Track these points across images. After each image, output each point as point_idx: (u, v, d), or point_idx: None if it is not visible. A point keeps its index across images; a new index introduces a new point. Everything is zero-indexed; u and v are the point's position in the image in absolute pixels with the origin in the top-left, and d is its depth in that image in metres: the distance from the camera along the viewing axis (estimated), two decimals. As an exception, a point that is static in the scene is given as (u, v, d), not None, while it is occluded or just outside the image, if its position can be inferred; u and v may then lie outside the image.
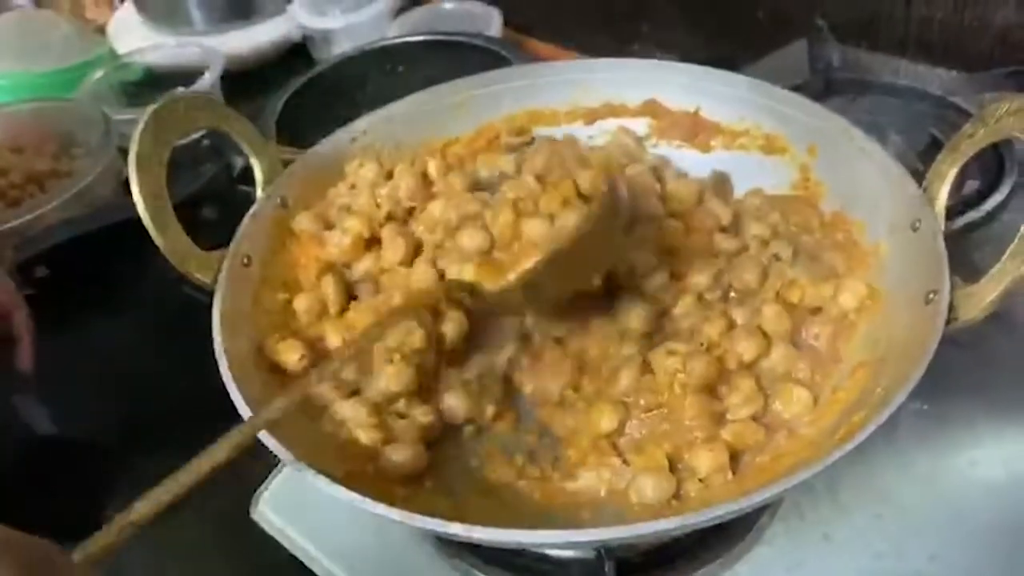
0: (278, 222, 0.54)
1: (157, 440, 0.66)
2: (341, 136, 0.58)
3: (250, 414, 0.41)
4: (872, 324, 0.47)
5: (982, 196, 0.70)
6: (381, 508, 0.37)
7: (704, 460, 0.44)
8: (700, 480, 0.44)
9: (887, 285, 0.48)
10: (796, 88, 0.80)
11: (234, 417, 0.50)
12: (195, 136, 0.86)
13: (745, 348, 0.48)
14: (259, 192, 0.54)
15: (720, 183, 0.58)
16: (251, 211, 0.52)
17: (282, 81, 0.95)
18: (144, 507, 0.35)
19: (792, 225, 0.53)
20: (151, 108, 0.48)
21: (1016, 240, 0.40)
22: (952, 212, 0.68)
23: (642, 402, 0.48)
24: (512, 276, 0.46)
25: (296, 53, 1.12)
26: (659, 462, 0.45)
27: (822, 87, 0.82)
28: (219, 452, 0.36)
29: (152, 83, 1.06)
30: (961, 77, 0.80)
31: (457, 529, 0.36)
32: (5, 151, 0.93)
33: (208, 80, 0.97)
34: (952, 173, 0.46)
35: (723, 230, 0.55)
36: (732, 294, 0.52)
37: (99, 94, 1.01)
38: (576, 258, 0.45)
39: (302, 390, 0.41)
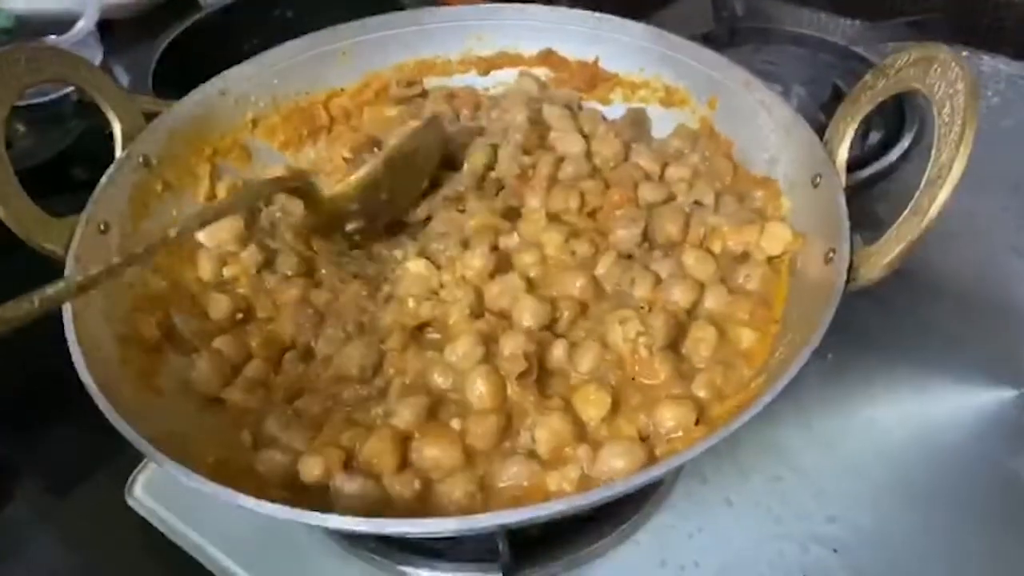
0: (141, 184, 0.49)
1: (53, 441, 0.62)
2: (211, 88, 0.53)
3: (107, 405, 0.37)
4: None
5: (885, 147, 0.69)
6: (251, 502, 0.34)
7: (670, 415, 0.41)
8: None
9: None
10: (700, 37, 0.79)
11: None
12: (64, 91, 0.80)
13: (680, 295, 0.46)
14: (118, 151, 0.49)
15: (638, 123, 0.55)
16: (108, 172, 0.47)
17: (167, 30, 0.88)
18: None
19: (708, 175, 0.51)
20: (-16, 56, 0.42)
21: (913, 200, 0.38)
22: (856, 164, 0.68)
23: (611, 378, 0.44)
24: (352, 179, 0.48)
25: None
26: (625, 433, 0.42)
27: (726, 36, 0.80)
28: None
29: (23, 32, 0.98)
30: (864, 26, 0.79)
31: (337, 523, 0.33)
32: None
33: (82, 28, 0.90)
34: (853, 127, 0.45)
35: (647, 178, 0.52)
36: (655, 250, 0.50)
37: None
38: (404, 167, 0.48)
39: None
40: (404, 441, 0.39)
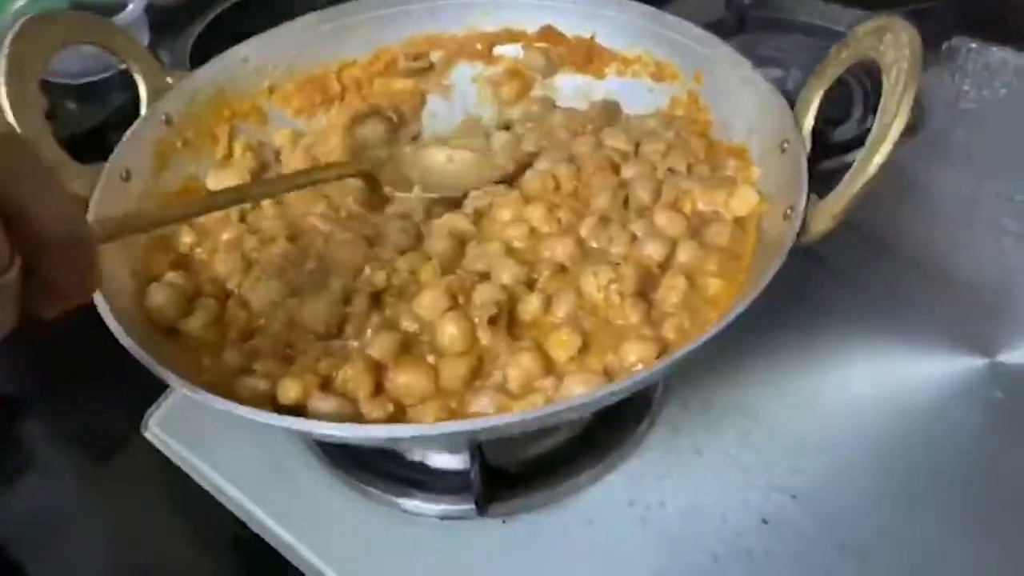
0: (161, 139, 0.54)
1: (72, 382, 0.67)
2: (232, 56, 0.58)
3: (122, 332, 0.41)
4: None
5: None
6: (254, 414, 0.38)
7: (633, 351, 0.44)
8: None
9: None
10: (711, 24, 0.82)
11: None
12: (108, 73, 0.86)
13: (653, 249, 0.48)
14: (143, 110, 0.53)
15: (611, 114, 0.59)
16: (133, 126, 0.52)
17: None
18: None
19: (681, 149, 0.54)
20: (25, 17, 0.47)
21: (859, 158, 0.41)
22: (853, 145, 0.70)
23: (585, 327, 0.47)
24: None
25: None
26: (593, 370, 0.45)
27: (735, 24, 0.83)
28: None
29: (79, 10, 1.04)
30: (866, 16, 0.81)
31: (310, 427, 0.36)
32: None
33: (131, 11, 0.95)
34: (819, 96, 0.47)
35: (624, 158, 0.55)
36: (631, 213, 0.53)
37: (22, 23, 0.99)
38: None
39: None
40: (378, 369, 0.43)
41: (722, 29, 0.81)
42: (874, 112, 0.72)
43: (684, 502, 0.49)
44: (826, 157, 0.69)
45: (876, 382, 0.54)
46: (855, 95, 0.75)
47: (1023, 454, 0.50)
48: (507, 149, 0.56)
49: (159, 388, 0.57)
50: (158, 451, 0.56)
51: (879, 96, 0.70)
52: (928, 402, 0.53)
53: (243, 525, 0.51)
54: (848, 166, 0.68)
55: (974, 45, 0.81)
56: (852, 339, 0.57)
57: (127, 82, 0.57)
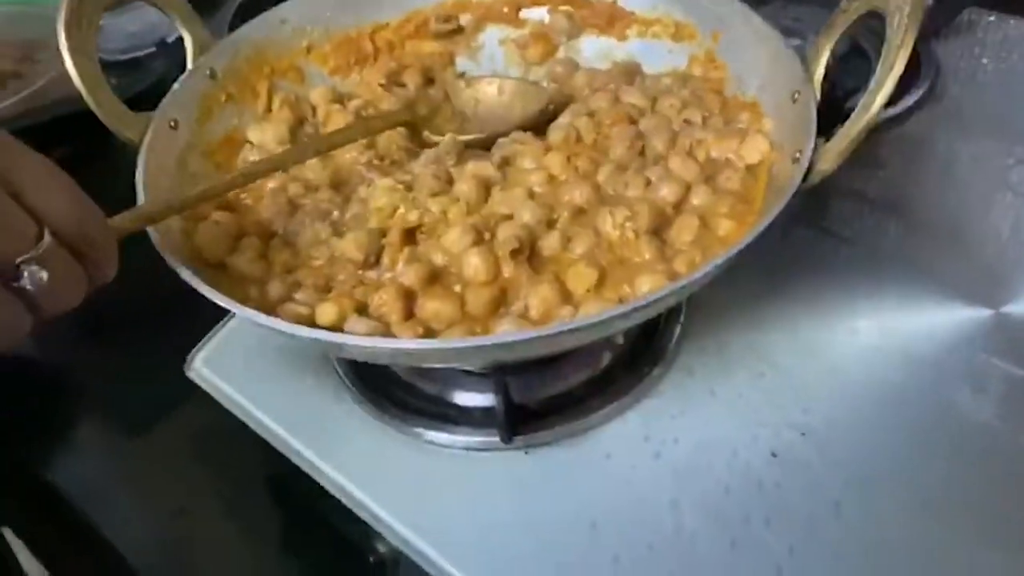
0: (206, 93, 0.57)
1: (113, 340, 0.71)
2: (272, 16, 0.61)
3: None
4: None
5: (896, 97, 0.73)
6: (299, 329, 0.41)
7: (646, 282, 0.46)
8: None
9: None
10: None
11: (185, 311, 0.54)
12: (148, 50, 0.90)
13: (667, 192, 0.51)
14: (190, 64, 0.57)
15: (631, 74, 0.61)
16: (180, 79, 0.55)
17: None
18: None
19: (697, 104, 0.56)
20: (79, -25, 0.50)
21: (863, 99, 0.43)
22: (865, 110, 0.72)
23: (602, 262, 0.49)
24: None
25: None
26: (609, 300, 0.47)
27: (759, -7, 0.85)
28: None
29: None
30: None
31: (338, 339, 0.39)
32: (-31, 52, 0.95)
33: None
34: (828, 48, 0.49)
35: (641, 113, 0.58)
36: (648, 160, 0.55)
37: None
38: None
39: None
40: (409, 296, 0.46)
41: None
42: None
43: (697, 438, 0.52)
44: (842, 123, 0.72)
45: (883, 331, 0.56)
46: (873, 64, 0.77)
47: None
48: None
49: (198, 333, 0.60)
50: (200, 390, 0.59)
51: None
52: (934, 350, 0.55)
53: (281, 461, 0.54)
54: (872, 130, 0.71)
55: (992, 17, 0.83)
56: (862, 291, 0.59)
57: (165, 57, 0.60)
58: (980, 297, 0.57)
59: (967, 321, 0.56)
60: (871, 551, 0.46)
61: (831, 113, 0.49)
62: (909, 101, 0.73)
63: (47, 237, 0.35)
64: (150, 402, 0.64)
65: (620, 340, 0.56)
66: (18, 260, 0.35)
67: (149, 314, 0.70)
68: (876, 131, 0.71)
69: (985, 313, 0.57)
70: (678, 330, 0.56)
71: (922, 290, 0.59)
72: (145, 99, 0.55)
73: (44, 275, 0.35)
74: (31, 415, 0.66)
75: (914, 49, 0.76)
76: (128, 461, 0.63)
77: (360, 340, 0.40)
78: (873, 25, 0.79)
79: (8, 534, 0.76)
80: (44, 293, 0.36)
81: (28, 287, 0.35)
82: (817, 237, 0.64)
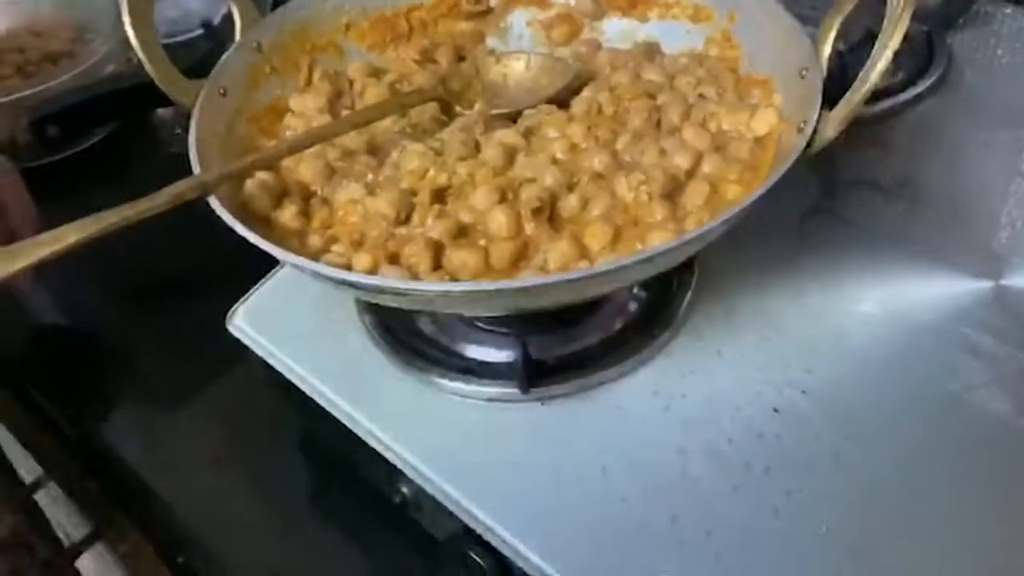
0: (253, 64, 0.61)
1: (158, 299, 0.76)
2: (312, -5, 0.65)
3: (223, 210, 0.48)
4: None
5: (912, 82, 0.76)
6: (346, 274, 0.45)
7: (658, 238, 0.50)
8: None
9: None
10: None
11: (231, 288, 0.57)
12: (191, 34, 0.95)
13: (680, 159, 0.54)
14: (238, 36, 0.61)
15: (651, 53, 0.65)
16: (229, 50, 0.60)
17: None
18: (74, 234, 0.43)
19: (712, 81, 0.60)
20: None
21: (861, 72, 0.46)
22: (882, 95, 0.75)
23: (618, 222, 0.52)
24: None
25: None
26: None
27: (778, -15, 0.87)
28: (158, 199, 0.45)
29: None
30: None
31: (355, 277, 0.43)
32: (26, 33, 1.01)
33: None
34: (836, 27, 0.52)
35: (659, 89, 0.61)
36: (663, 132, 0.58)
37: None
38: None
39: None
40: (438, 248, 0.49)
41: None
42: (904, 65, 0.78)
43: (703, 394, 0.55)
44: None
45: (886, 300, 0.59)
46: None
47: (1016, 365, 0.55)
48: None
49: (237, 294, 0.64)
50: (238, 348, 0.63)
51: (911, 48, 0.75)
52: (934, 318, 0.58)
53: (312, 412, 0.58)
54: (877, 114, 0.74)
55: (1009, 9, 0.85)
56: (867, 264, 0.62)
57: (207, 41, 0.64)
58: (982, 271, 0.60)
59: (968, 292, 0.59)
60: (866, 497, 0.50)
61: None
62: (921, 87, 0.76)
63: None
64: (191, 359, 0.69)
65: (633, 307, 0.60)
66: None
67: (192, 277, 0.75)
68: (889, 116, 0.75)
69: (986, 285, 0.59)
70: (688, 296, 0.59)
71: (925, 264, 0.62)
72: (191, 75, 0.59)
73: None
74: (78, 368, 0.71)
75: (928, 37, 0.80)
76: (167, 414, 0.68)
77: (396, 282, 0.44)
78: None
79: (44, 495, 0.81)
80: None
81: None
82: (826, 215, 0.67)
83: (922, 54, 0.78)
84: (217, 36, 0.91)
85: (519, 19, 0.70)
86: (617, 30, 0.67)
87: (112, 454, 0.65)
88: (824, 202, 0.70)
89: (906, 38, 0.73)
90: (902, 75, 0.78)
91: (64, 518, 0.80)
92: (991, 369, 0.55)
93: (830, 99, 0.50)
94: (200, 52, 0.94)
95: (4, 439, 0.76)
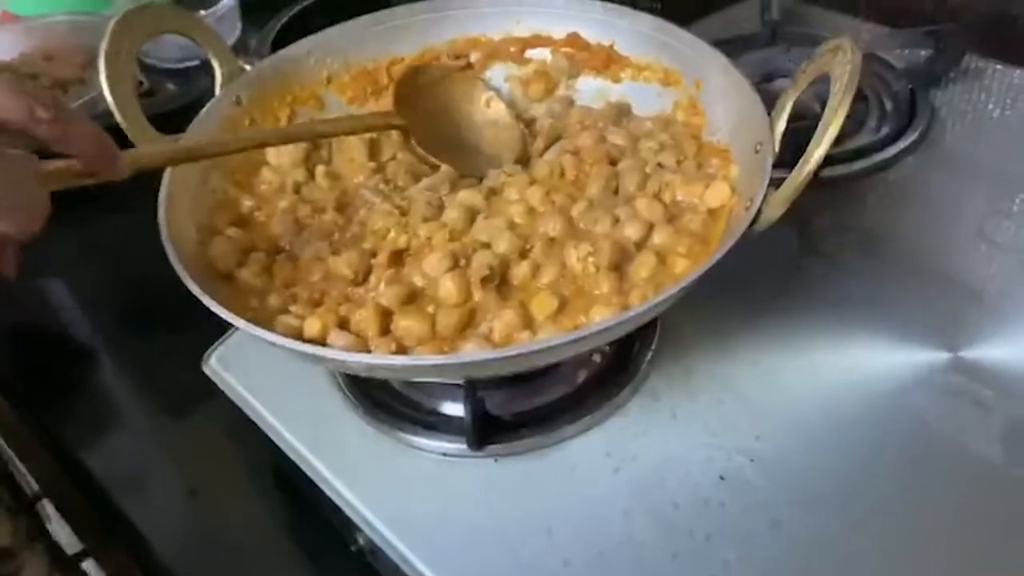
0: (231, 118, 0.63)
1: (154, 325, 0.78)
2: (297, 49, 0.67)
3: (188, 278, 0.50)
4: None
5: (893, 139, 0.77)
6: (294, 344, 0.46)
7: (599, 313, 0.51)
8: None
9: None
10: (745, 37, 0.88)
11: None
12: (200, 60, 0.97)
13: (632, 230, 0.56)
14: (218, 91, 0.63)
15: (621, 114, 0.66)
16: (208, 105, 0.62)
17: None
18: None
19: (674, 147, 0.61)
20: (123, 11, 0.57)
21: (804, 153, 0.47)
22: (861, 153, 0.76)
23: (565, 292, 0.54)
24: None
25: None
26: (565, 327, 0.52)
27: (768, 37, 0.89)
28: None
29: (179, 3, 1.16)
30: (887, 33, 0.86)
31: (298, 347, 0.45)
32: (38, 58, 1.04)
33: (226, 4, 1.08)
34: (789, 104, 0.53)
35: (622, 153, 0.63)
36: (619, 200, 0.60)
37: (128, 12, 1.11)
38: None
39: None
40: (386, 315, 0.51)
41: (754, 42, 0.88)
42: (887, 122, 0.79)
43: (654, 457, 0.56)
44: (841, 162, 0.75)
45: (843, 368, 0.60)
46: (871, 107, 0.81)
47: (972, 437, 0.55)
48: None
49: (217, 332, 0.66)
50: (214, 385, 0.65)
51: (895, 105, 0.76)
52: (891, 389, 0.58)
53: (282, 452, 0.60)
54: (859, 172, 0.74)
55: (999, 66, 0.85)
56: (829, 328, 0.62)
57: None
58: (939, 340, 0.60)
59: (924, 363, 0.60)
60: (805, 567, 0.50)
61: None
62: (900, 146, 0.76)
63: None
64: (179, 389, 0.71)
65: (597, 359, 0.61)
66: None
67: (181, 306, 0.76)
68: (870, 173, 0.75)
69: (943, 356, 0.60)
70: (649, 356, 0.60)
71: (884, 329, 0.62)
72: (196, 109, 0.62)
73: None
74: (67, 391, 0.74)
75: (911, 94, 0.80)
76: (150, 443, 0.70)
77: (334, 354, 0.46)
78: (875, 69, 0.83)
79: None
80: None
81: None
82: (791, 274, 0.68)
83: (906, 112, 0.79)
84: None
85: (497, 74, 0.71)
86: (591, 89, 0.69)
87: (94, 480, 0.67)
88: (796, 260, 0.70)
89: (892, 95, 0.75)
90: (886, 132, 0.78)
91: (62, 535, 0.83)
92: (941, 442, 0.55)
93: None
94: (206, 84, 0.98)
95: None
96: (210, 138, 0.59)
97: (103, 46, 0.56)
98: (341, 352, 0.46)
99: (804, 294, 0.66)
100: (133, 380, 0.75)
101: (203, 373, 0.65)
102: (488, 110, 0.67)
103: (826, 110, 0.47)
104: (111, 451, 0.70)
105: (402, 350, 0.50)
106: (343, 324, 0.51)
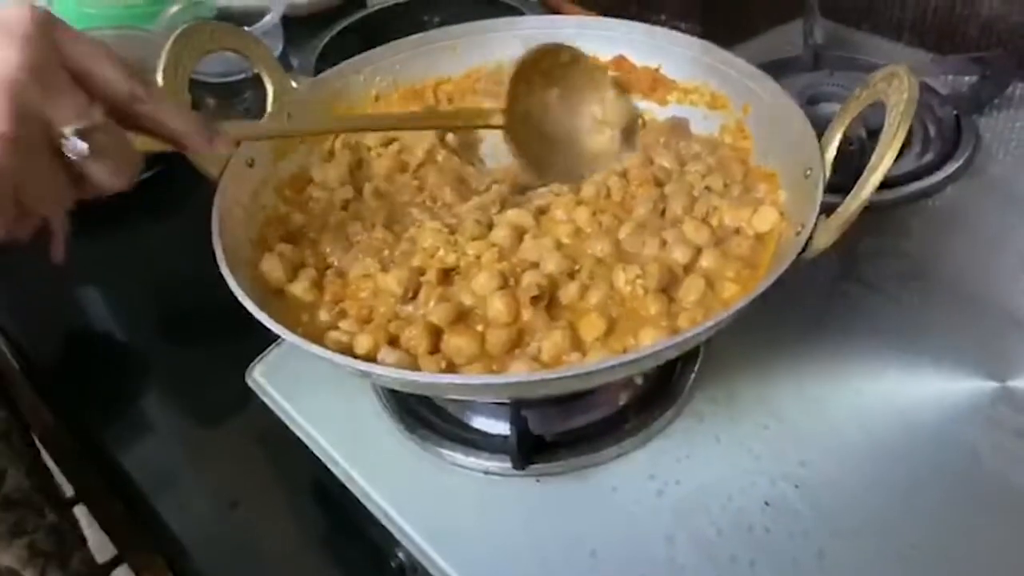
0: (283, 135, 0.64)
1: (194, 335, 0.78)
2: (346, 68, 0.68)
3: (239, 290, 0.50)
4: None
5: (939, 166, 0.77)
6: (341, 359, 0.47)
7: (649, 336, 0.51)
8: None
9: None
10: (789, 61, 0.88)
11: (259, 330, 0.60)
12: (242, 75, 0.99)
13: (680, 254, 0.56)
14: (270, 107, 0.64)
15: (679, 128, 0.66)
16: (260, 121, 0.62)
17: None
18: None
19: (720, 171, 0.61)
20: (182, 27, 0.58)
21: (858, 182, 0.47)
22: (905, 179, 0.75)
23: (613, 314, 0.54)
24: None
25: (353, 2, 1.23)
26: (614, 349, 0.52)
27: (811, 61, 0.88)
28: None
29: (223, 20, 1.17)
30: (931, 59, 0.86)
31: (366, 367, 0.45)
32: (83, 71, 1.05)
33: (269, 21, 1.09)
34: (841, 130, 0.53)
35: (668, 176, 0.63)
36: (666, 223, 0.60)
37: (174, 27, 1.13)
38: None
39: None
40: (436, 333, 0.51)
41: (797, 65, 0.88)
42: (931, 149, 0.78)
43: (698, 481, 0.56)
44: (885, 188, 0.75)
45: (887, 395, 0.59)
46: (915, 133, 0.80)
47: (1018, 468, 0.55)
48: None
49: (262, 345, 0.67)
50: (254, 396, 0.65)
51: (939, 131, 0.76)
52: (936, 418, 0.58)
53: (323, 467, 0.60)
54: (903, 198, 0.74)
55: (1049, 93, 0.85)
56: (872, 354, 0.62)
57: (256, 84, 0.67)
58: (987, 370, 0.60)
59: (971, 391, 0.59)
60: (847, 597, 0.50)
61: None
62: (945, 173, 0.76)
63: (94, 109, 0.38)
64: (218, 399, 0.72)
65: (640, 381, 0.61)
66: (64, 128, 0.37)
67: (222, 316, 0.77)
68: (915, 199, 0.75)
69: (990, 385, 0.59)
70: (692, 378, 0.60)
71: (931, 359, 0.61)
72: (241, 118, 0.62)
73: (84, 146, 0.37)
74: (108, 398, 0.74)
75: (956, 120, 0.80)
76: (192, 453, 0.70)
77: (385, 371, 0.46)
78: (923, 98, 0.83)
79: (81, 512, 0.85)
80: (88, 166, 0.39)
81: (72, 157, 0.38)
82: (834, 299, 0.67)
83: (951, 139, 0.78)
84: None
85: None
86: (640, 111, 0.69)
87: (132, 486, 0.68)
88: (839, 286, 0.70)
89: (937, 121, 0.74)
90: (930, 158, 0.78)
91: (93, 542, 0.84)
92: (987, 475, 0.55)
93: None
94: (247, 100, 0.99)
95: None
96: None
97: (161, 60, 0.57)
98: (393, 369, 0.47)
99: (846, 319, 0.66)
100: (174, 389, 0.75)
101: (243, 384, 0.66)
102: (598, 109, 0.67)
103: (882, 138, 0.47)
104: (149, 458, 0.70)
105: (451, 368, 0.50)
106: (392, 341, 0.51)
